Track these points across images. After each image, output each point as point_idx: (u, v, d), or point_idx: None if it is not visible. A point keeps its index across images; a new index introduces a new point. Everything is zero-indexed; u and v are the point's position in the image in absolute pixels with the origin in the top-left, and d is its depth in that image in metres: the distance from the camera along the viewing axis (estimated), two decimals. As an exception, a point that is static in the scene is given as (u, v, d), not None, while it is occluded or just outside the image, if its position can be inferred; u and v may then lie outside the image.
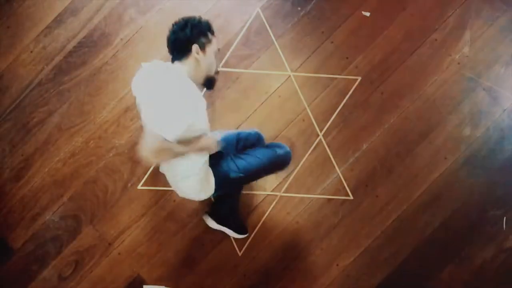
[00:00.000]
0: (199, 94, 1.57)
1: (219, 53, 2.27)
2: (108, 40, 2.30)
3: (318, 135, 2.27)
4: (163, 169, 1.88)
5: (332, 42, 2.28)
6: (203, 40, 1.63)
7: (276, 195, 2.27)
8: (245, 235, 2.23)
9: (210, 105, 2.25)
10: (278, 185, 2.28)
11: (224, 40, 2.28)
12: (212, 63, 1.69)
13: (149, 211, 2.28)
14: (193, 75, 1.63)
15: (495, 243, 2.26)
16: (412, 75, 2.27)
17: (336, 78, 2.27)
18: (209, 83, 1.72)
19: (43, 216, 2.28)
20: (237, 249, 2.27)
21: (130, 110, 2.27)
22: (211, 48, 1.66)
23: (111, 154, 2.27)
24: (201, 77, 1.68)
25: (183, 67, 1.63)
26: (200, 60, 1.63)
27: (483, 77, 2.26)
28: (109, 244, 2.28)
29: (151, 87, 1.53)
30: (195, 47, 1.60)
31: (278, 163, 1.96)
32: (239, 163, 1.85)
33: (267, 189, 2.28)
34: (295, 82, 2.27)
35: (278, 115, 2.27)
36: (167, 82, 1.50)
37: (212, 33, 1.68)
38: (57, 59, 2.30)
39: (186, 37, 1.60)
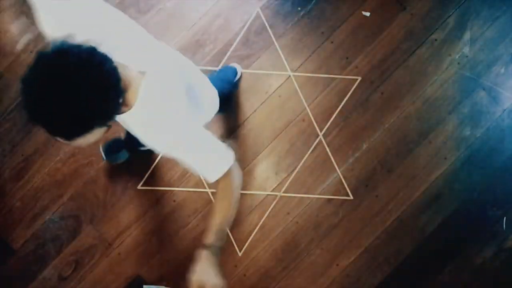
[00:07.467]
0: None
1: (220, 53, 2.28)
2: (108, 40, 2.29)
3: (318, 135, 2.27)
4: None
5: (332, 42, 2.28)
6: None
7: (276, 195, 2.27)
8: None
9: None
10: (278, 185, 2.28)
11: (224, 40, 2.28)
12: None
13: (149, 211, 2.28)
14: None
15: (495, 243, 2.26)
16: (412, 75, 2.27)
17: (336, 78, 2.27)
18: None
19: (43, 216, 2.28)
20: (237, 249, 2.27)
21: (130, 110, 2.27)
22: None
23: (111, 154, 2.27)
24: None
25: None
26: None
27: (483, 77, 2.26)
28: (109, 244, 2.28)
29: None
30: None
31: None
32: None
33: (267, 189, 2.28)
34: (295, 82, 2.27)
35: (278, 115, 2.27)
36: None
37: None
38: (57, 59, 2.30)
39: None
